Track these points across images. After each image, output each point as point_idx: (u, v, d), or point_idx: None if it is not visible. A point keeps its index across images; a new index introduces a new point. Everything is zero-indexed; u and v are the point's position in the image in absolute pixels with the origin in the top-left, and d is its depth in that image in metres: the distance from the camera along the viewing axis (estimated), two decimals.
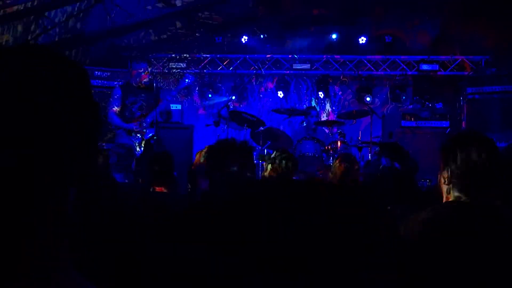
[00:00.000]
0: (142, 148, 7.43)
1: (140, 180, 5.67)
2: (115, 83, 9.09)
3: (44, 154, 0.82)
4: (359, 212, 0.87)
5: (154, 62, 10.93)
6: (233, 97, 10.79)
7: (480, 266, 2.11)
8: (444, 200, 2.42)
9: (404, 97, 10.90)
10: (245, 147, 3.24)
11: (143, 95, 7.61)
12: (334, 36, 10.89)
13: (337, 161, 5.57)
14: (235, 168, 3.02)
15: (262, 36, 10.92)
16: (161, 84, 10.42)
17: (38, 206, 0.82)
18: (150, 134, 7.56)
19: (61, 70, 0.88)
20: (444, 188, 2.40)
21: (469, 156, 2.33)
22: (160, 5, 9.39)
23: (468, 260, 2.13)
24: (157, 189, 4.72)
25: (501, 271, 2.12)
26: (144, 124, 7.54)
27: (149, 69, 7.91)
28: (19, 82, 0.83)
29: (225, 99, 10.72)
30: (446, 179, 2.38)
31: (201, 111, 11.67)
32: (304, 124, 9.47)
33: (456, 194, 2.35)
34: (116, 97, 7.50)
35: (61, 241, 0.85)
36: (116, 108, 7.44)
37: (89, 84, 0.94)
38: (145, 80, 7.58)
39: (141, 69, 7.58)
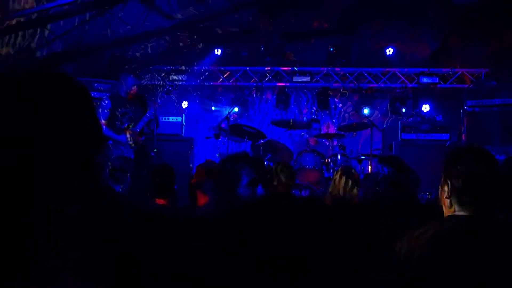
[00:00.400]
0: (134, 159, 7.40)
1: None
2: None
3: (44, 154, 0.82)
4: (359, 213, 0.87)
5: (155, 74, 10.96)
6: (236, 109, 10.78)
7: (484, 281, 2.10)
8: (445, 213, 2.42)
9: (404, 110, 10.93)
10: (257, 162, 3.15)
11: (132, 106, 7.61)
12: (334, 48, 10.92)
13: (338, 175, 5.53)
14: (245, 184, 2.93)
15: (262, 48, 10.95)
16: (160, 93, 10.45)
17: (38, 206, 0.82)
18: (141, 143, 7.58)
19: (60, 71, 0.89)
20: (446, 202, 2.40)
21: (469, 170, 2.33)
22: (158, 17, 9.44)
23: (473, 276, 2.12)
24: (158, 201, 4.73)
25: (504, 284, 2.12)
26: (133, 135, 7.52)
27: (138, 83, 7.93)
28: (19, 83, 0.83)
29: (226, 111, 10.71)
30: (447, 193, 2.38)
31: (201, 124, 11.68)
32: (305, 137, 9.47)
33: (458, 208, 2.35)
34: (106, 110, 7.43)
35: (61, 241, 0.85)
36: (103, 121, 7.36)
37: (88, 91, 0.94)
38: (133, 92, 7.60)
39: (131, 84, 7.59)
